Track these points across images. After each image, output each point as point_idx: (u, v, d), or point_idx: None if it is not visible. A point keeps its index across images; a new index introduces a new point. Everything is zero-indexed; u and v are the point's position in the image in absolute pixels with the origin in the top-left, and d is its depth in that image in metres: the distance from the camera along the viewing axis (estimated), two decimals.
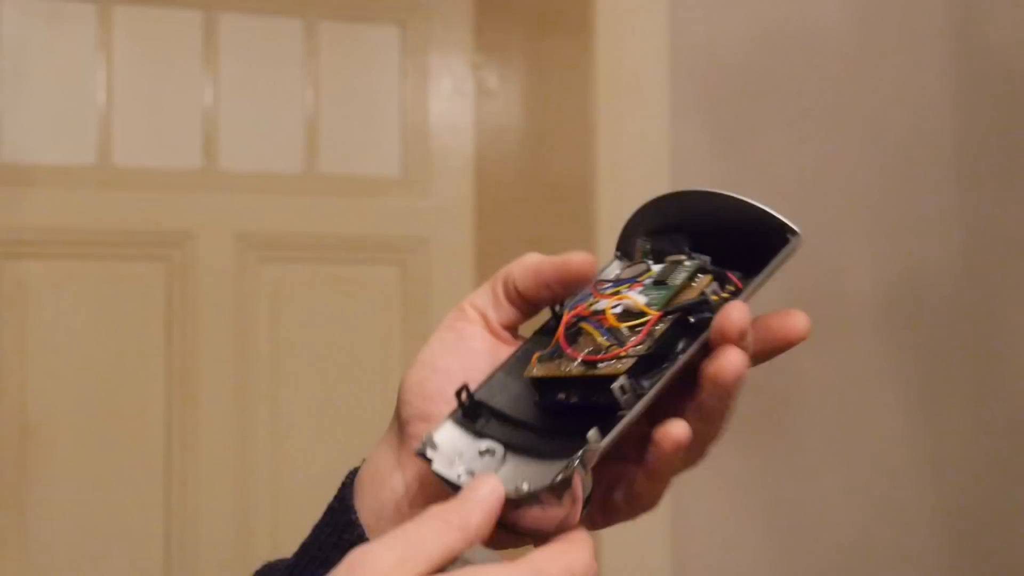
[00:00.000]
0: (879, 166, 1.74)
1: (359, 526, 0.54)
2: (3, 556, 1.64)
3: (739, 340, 0.50)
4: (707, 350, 0.51)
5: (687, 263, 0.55)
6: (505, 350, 0.56)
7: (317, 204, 1.79)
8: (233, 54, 1.77)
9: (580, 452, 0.48)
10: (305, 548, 0.57)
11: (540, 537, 0.49)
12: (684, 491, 1.62)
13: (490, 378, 0.54)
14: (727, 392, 0.50)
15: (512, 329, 0.57)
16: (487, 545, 0.48)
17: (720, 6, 1.67)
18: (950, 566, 1.77)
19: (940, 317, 1.77)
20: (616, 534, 0.59)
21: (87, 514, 1.67)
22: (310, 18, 1.80)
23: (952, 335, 1.78)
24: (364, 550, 0.45)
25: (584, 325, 0.53)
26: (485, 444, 0.52)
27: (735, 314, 0.50)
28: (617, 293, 0.54)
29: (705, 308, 0.53)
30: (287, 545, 1.97)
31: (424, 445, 0.52)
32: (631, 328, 0.52)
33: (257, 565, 0.64)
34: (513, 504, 0.49)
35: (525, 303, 0.56)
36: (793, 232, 0.55)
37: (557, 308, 0.56)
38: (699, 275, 0.55)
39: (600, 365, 0.51)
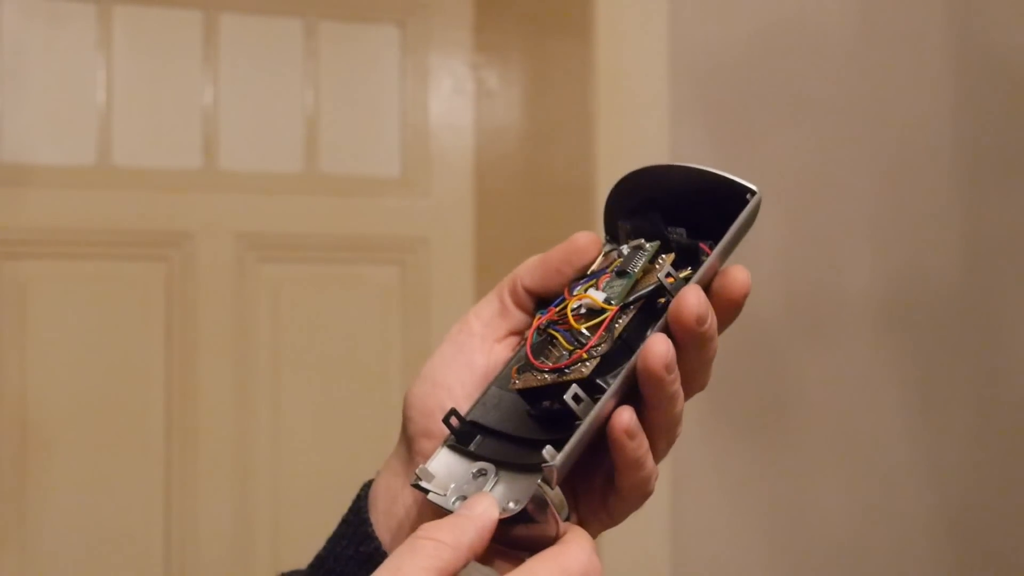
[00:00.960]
0: (879, 166, 1.74)
1: (375, 539, 0.55)
2: (3, 556, 1.64)
3: (698, 326, 0.50)
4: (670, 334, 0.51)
5: (647, 246, 0.55)
6: (504, 357, 0.56)
7: (317, 204, 1.79)
8: (233, 54, 1.77)
9: (541, 475, 0.48)
10: (321, 560, 0.56)
11: (536, 549, 0.49)
12: (684, 491, 1.62)
13: (483, 395, 0.55)
14: (657, 379, 0.50)
15: (515, 334, 0.57)
16: (483, 563, 0.49)
17: (720, 6, 1.67)
18: (950, 566, 1.77)
19: (940, 317, 1.77)
20: (616, 534, 0.60)
21: (87, 514, 1.67)
22: (310, 18, 1.80)
23: (952, 335, 1.78)
24: None
25: (552, 331, 0.54)
26: (477, 466, 0.52)
27: (691, 299, 0.50)
28: (587, 290, 0.54)
29: (666, 292, 0.53)
30: (287, 545, 1.98)
31: (418, 477, 0.52)
32: (591, 328, 0.52)
33: (266, 572, 0.63)
34: (507, 521, 0.49)
35: (537, 300, 0.56)
36: (751, 192, 0.54)
37: (537, 313, 0.56)
38: (662, 257, 0.55)
39: (566, 371, 0.51)
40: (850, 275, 1.72)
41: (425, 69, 1.84)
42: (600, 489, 0.53)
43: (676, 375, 0.50)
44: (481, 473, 0.52)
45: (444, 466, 0.53)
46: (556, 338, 0.53)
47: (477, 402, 0.54)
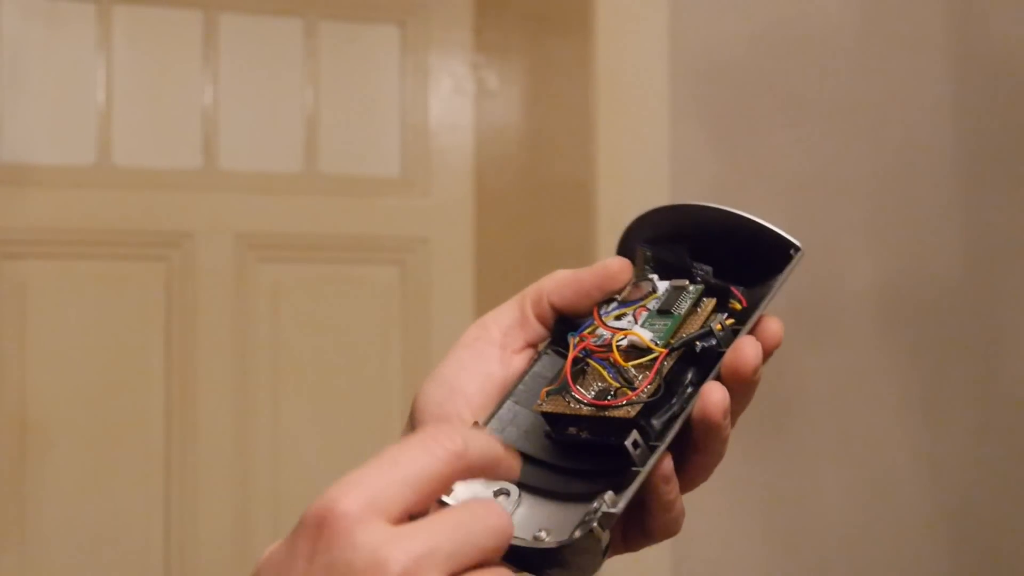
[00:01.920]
0: (879, 166, 1.74)
1: None
2: (3, 556, 1.64)
3: (753, 376, 0.51)
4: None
5: (691, 288, 0.55)
6: (518, 369, 0.55)
7: (317, 204, 1.79)
8: (233, 54, 1.77)
9: (597, 514, 0.47)
10: None
11: None
12: None
13: (499, 408, 0.54)
14: (715, 426, 0.50)
15: (532, 346, 0.56)
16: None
17: (720, 7, 1.67)
18: (950, 566, 1.77)
19: (940, 317, 1.77)
20: None
21: (87, 513, 1.67)
22: (310, 18, 1.80)
23: (952, 335, 1.78)
24: (323, 499, 0.42)
25: (591, 361, 0.53)
26: (499, 484, 0.51)
27: (750, 351, 0.51)
28: (620, 318, 0.54)
29: (711, 339, 0.52)
30: None
31: None
32: (638, 367, 0.52)
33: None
34: (530, 551, 0.48)
35: (555, 320, 0.56)
36: (796, 248, 0.55)
37: (570, 335, 0.55)
38: (703, 300, 0.55)
39: (611, 409, 0.51)
40: (850, 275, 1.72)
41: (425, 69, 1.84)
42: (621, 527, 0.53)
43: (729, 420, 0.51)
44: (503, 492, 0.51)
45: (464, 481, 0.52)
46: (596, 369, 0.52)
47: (492, 415, 0.53)
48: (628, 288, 0.56)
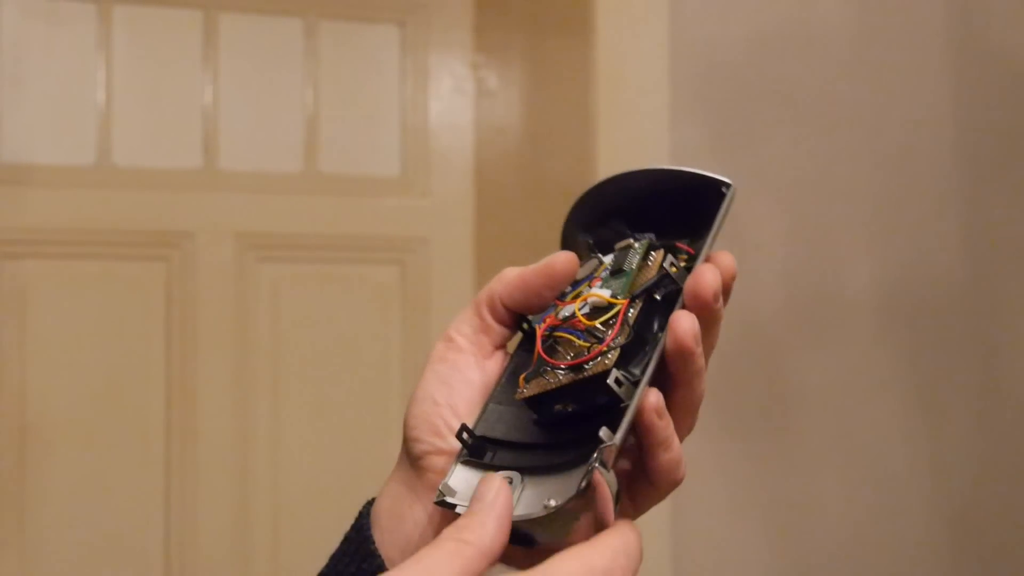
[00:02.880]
0: (879, 166, 1.74)
1: (378, 556, 0.54)
2: (3, 556, 1.64)
3: (714, 302, 0.52)
4: None
5: (636, 245, 0.55)
6: (495, 373, 0.56)
7: (317, 204, 1.79)
8: (233, 54, 1.77)
9: (596, 452, 0.48)
10: None
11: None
12: (684, 490, 1.61)
13: (484, 411, 0.55)
14: (688, 351, 0.51)
15: (499, 347, 0.57)
16: (507, 562, 0.48)
17: (720, 6, 1.67)
18: (949, 566, 1.77)
19: (940, 317, 1.77)
20: None
21: (87, 514, 1.67)
22: (310, 18, 1.80)
23: (952, 335, 1.78)
24: None
25: (559, 334, 0.54)
26: (500, 475, 0.51)
27: (708, 275, 0.52)
28: (579, 295, 0.55)
29: (668, 282, 0.53)
30: (286, 545, 1.98)
31: (442, 495, 0.52)
32: (605, 323, 0.53)
33: (266, 572, 0.63)
34: (544, 522, 0.48)
35: (514, 318, 0.57)
36: (727, 185, 0.56)
37: (526, 326, 0.56)
38: (652, 253, 0.55)
39: (587, 366, 0.52)
40: (850, 275, 1.72)
41: (425, 69, 1.84)
42: (626, 478, 0.54)
43: (701, 349, 0.52)
44: (506, 480, 0.51)
45: (463, 481, 0.52)
46: (566, 339, 0.53)
47: (479, 420, 0.54)
48: (579, 271, 0.57)
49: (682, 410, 0.53)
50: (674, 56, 1.63)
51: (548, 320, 0.55)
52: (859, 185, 1.73)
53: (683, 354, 0.51)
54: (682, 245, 0.55)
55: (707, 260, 0.54)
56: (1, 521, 1.64)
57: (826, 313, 1.70)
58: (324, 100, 1.80)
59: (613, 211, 0.57)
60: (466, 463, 0.53)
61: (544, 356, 0.53)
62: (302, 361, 1.76)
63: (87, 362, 1.68)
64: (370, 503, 0.57)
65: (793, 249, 1.68)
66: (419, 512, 0.55)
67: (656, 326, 0.53)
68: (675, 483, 0.54)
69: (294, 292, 1.77)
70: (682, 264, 0.54)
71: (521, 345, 0.57)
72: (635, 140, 1.63)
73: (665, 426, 0.51)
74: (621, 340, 0.52)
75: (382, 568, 0.54)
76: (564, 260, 0.55)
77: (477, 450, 0.53)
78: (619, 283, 0.54)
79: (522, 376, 0.54)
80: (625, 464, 0.54)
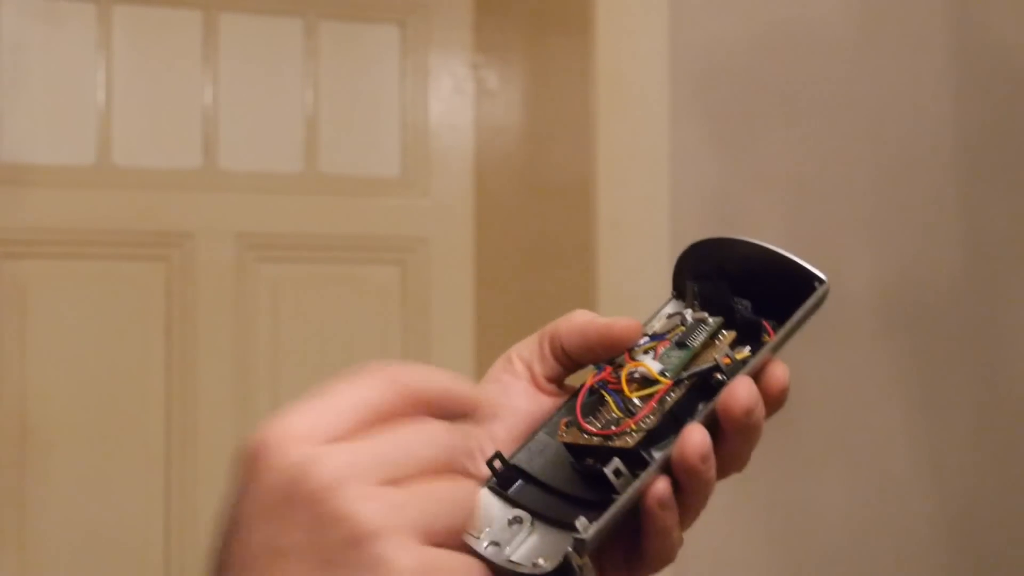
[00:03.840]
0: (879, 166, 1.74)
1: None
2: (3, 556, 1.64)
3: (746, 418, 0.51)
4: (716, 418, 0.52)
5: (710, 321, 0.55)
6: (548, 405, 0.56)
7: (317, 204, 1.79)
8: (233, 54, 1.77)
9: (571, 541, 0.48)
10: None
11: None
12: None
13: (530, 439, 0.54)
14: (693, 470, 0.50)
15: (558, 382, 0.56)
16: None
17: (720, 6, 1.67)
18: (949, 566, 1.77)
19: (940, 317, 1.77)
20: None
21: (87, 514, 1.67)
22: (310, 18, 1.80)
23: (952, 335, 1.78)
24: (256, 432, 0.43)
25: (604, 394, 0.53)
26: (514, 513, 0.52)
27: (741, 392, 0.51)
28: (647, 352, 0.55)
29: (718, 373, 0.53)
30: None
31: None
32: (642, 398, 0.52)
33: None
34: None
35: (571, 361, 0.56)
36: (820, 280, 0.55)
37: (593, 367, 0.56)
38: (723, 333, 0.55)
39: (613, 439, 0.51)
40: (850, 275, 1.72)
41: (425, 69, 1.84)
42: (624, 550, 0.53)
43: (712, 464, 0.51)
44: (517, 520, 0.52)
45: (482, 508, 0.52)
46: (607, 402, 0.53)
47: (523, 446, 0.54)
48: (663, 321, 0.57)
49: (685, 509, 0.52)
50: (674, 56, 1.63)
51: (606, 371, 0.54)
52: (859, 185, 1.73)
53: (687, 469, 0.50)
54: (767, 325, 0.55)
55: (763, 362, 0.53)
56: (1, 521, 1.64)
57: (826, 313, 1.70)
58: (324, 100, 1.80)
59: (720, 270, 0.57)
60: (492, 490, 0.53)
61: (578, 413, 0.53)
62: (302, 361, 1.76)
63: (87, 362, 1.68)
64: None
65: (793, 249, 1.68)
66: None
67: (699, 410, 0.52)
68: (666, 563, 0.53)
69: (294, 292, 1.77)
70: (739, 358, 0.53)
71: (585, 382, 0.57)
72: (635, 140, 1.63)
73: (667, 517, 0.51)
74: (650, 422, 0.51)
75: None
76: (625, 326, 0.54)
77: (506, 480, 0.53)
78: (675, 359, 0.54)
79: (564, 420, 0.54)
80: (623, 542, 0.53)
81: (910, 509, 1.75)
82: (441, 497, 0.44)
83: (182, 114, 1.75)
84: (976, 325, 1.79)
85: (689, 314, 0.56)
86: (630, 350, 0.55)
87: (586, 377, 0.56)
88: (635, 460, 0.51)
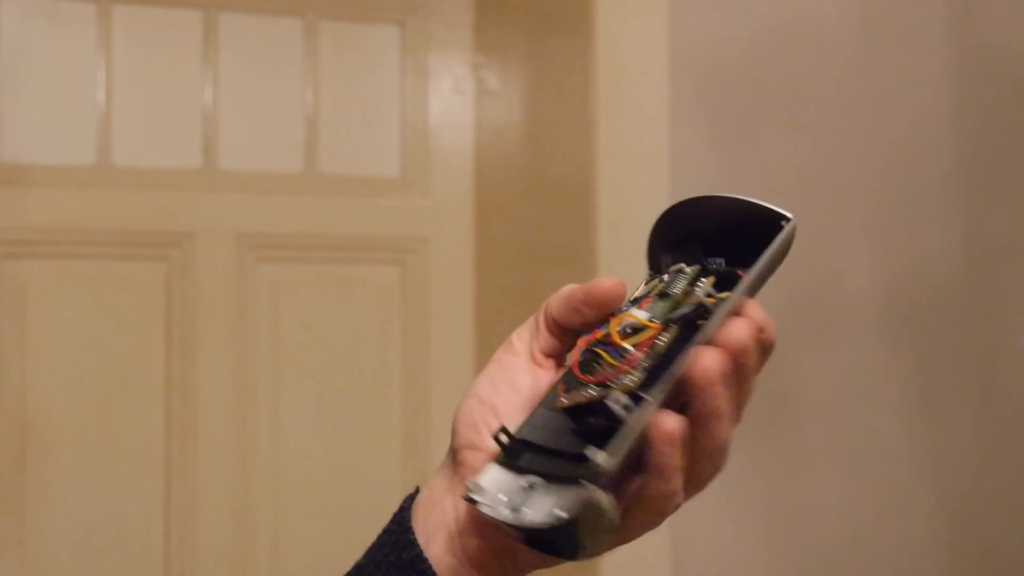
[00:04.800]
0: (879, 166, 1.74)
1: (416, 545, 0.56)
2: (3, 556, 1.64)
3: (741, 355, 0.52)
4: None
5: (687, 269, 0.57)
6: (547, 380, 0.58)
7: (317, 204, 1.79)
8: (233, 54, 1.77)
9: (583, 472, 0.49)
10: (361, 568, 0.57)
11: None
12: None
13: (532, 415, 0.56)
14: (705, 387, 0.51)
15: (557, 357, 0.59)
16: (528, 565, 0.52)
17: (720, 6, 1.67)
18: (950, 566, 1.77)
19: (940, 317, 1.77)
20: None
21: (87, 514, 1.67)
22: (310, 18, 1.80)
23: (952, 335, 1.78)
24: None
25: (598, 350, 0.55)
26: (527, 479, 0.53)
27: (736, 330, 0.52)
28: (628, 312, 0.56)
29: (703, 312, 0.54)
30: (287, 545, 1.98)
31: (470, 490, 0.54)
32: (635, 345, 0.54)
33: (265, 572, 0.64)
34: (550, 531, 0.50)
35: (562, 330, 0.58)
36: (786, 219, 0.57)
37: (582, 336, 0.58)
38: (702, 280, 0.56)
39: (612, 384, 0.53)
40: (850, 275, 1.72)
41: (425, 69, 1.84)
42: (624, 501, 0.54)
43: (723, 389, 0.51)
44: (530, 487, 0.53)
45: (493, 481, 0.54)
46: (601, 356, 0.54)
47: (526, 422, 0.56)
48: (642, 288, 0.58)
49: (698, 450, 0.53)
50: (674, 56, 1.63)
51: (595, 333, 0.56)
52: (859, 185, 1.73)
53: (700, 388, 0.51)
54: (742, 274, 0.55)
55: (744, 294, 0.54)
56: (1, 521, 1.64)
57: (826, 313, 1.70)
58: (324, 100, 1.80)
59: (690, 233, 0.58)
60: (501, 464, 0.54)
61: (576, 371, 0.55)
62: (302, 361, 1.76)
63: (87, 362, 1.68)
64: (411, 497, 0.59)
65: (793, 249, 1.68)
66: (448, 503, 0.56)
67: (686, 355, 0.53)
68: (663, 515, 0.54)
69: (294, 292, 1.77)
70: (722, 296, 0.54)
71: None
72: (635, 140, 1.63)
73: (670, 455, 0.51)
74: (646, 363, 0.53)
75: (420, 557, 0.55)
76: (609, 284, 0.56)
77: (513, 453, 0.54)
78: (661, 307, 0.55)
79: (561, 386, 0.55)
80: (625, 494, 0.54)
81: (910, 509, 1.75)
82: None
83: (182, 114, 1.75)
84: (976, 324, 1.79)
85: (666, 275, 0.58)
86: (614, 314, 0.56)
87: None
88: (637, 401, 0.51)
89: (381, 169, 1.83)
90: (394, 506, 0.58)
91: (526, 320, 0.60)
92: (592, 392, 0.53)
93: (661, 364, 0.53)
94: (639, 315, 0.55)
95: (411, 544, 0.55)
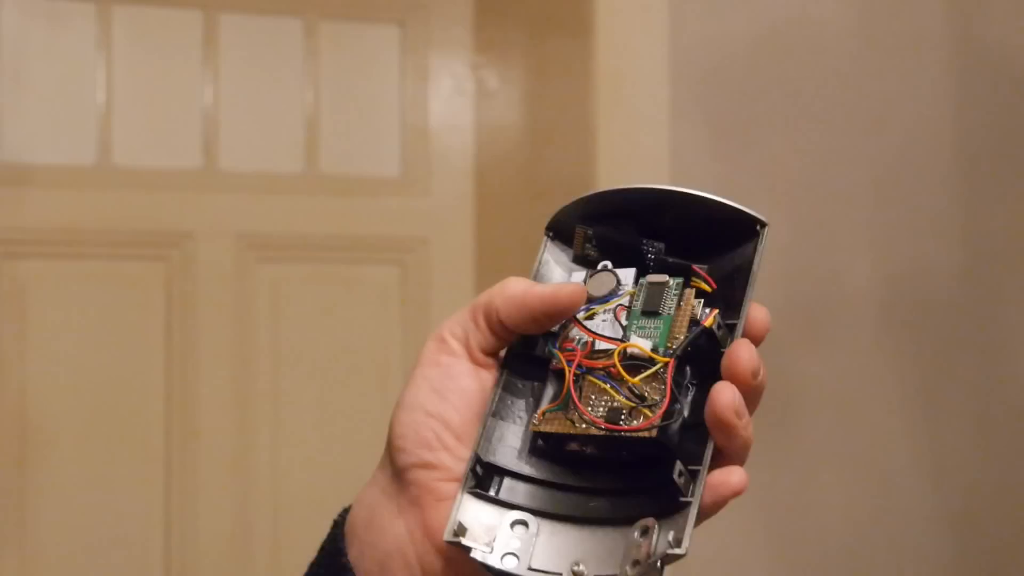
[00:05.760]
0: (879, 166, 1.74)
1: (350, 571, 0.52)
2: (3, 556, 1.64)
3: (753, 379, 0.49)
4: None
5: (671, 283, 0.52)
6: (489, 380, 0.53)
7: (317, 204, 1.79)
8: (233, 54, 1.77)
9: (660, 554, 0.45)
10: None
11: None
12: None
13: (484, 429, 0.51)
14: (730, 427, 0.49)
15: (494, 354, 0.54)
16: None
17: (720, 6, 1.67)
18: (950, 566, 1.77)
19: (940, 317, 1.77)
20: None
21: (87, 514, 1.67)
22: (310, 18, 1.80)
23: (952, 335, 1.78)
24: None
25: (590, 378, 0.50)
26: (512, 515, 0.49)
27: (743, 355, 0.49)
28: (593, 317, 0.52)
29: (711, 340, 0.50)
30: (287, 545, 1.98)
31: (455, 533, 0.49)
32: (647, 381, 0.49)
33: (266, 573, 0.63)
34: None
35: (507, 331, 0.53)
36: (762, 223, 0.52)
37: (548, 349, 0.52)
38: (685, 291, 0.52)
39: (643, 433, 0.48)
40: (850, 275, 1.72)
41: (425, 69, 1.84)
42: None
43: (746, 421, 0.49)
44: (521, 523, 0.49)
45: (473, 516, 0.49)
46: (597, 385, 0.50)
47: (480, 437, 0.51)
48: (586, 279, 0.53)
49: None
50: (674, 56, 1.63)
51: (574, 351, 0.51)
52: (859, 185, 1.73)
53: (724, 429, 0.49)
54: (700, 271, 0.52)
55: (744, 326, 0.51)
56: (1, 521, 1.64)
57: (826, 313, 1.70)
58: (324, 100, 1.80)
59: (626, 214, 0.54)
60: (472, 493, 0.50)
61: (579, 406, 0.49)
62: (302, 361, 1.76)
63: (87, 362, 1.68)
64: (345, 512, 0.55)
65: (793, 249, 1.68)
66: (400, 528, 0.52)
67: (686, 380, 0.50)
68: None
69: (294, 292, 1.77)
70: (725, 323, 0.51)
71: (516, 355, 0.53)
72: (635, 140, 1.63)
73: (745, 425, 0.50)
74: (679, 408, 0.49)
75: None
76: (571, 292, 0.52)
77: (483, 480, 0.50)
78: (656, 330, 0.51)
79: (542, 409, 0.51)
80: None
81: (910, 509, 1.75)
82: None
83: (182, 114, 1.75)
84: (976, 325, 1.79)
85: (617, 270, 0.53)
86: (576, 319, 0.52)
87: (552, 360, 0.52)
88: (694, 476, 0.48)
89: (381, 169, 1.83)
90: None
91: (456, 314, 0.55)
92: (600, 431, 0.49)
93: (681, 403, 0.49)
94: (643, 344, 0.50)
95: (344, 569, 0.51)
